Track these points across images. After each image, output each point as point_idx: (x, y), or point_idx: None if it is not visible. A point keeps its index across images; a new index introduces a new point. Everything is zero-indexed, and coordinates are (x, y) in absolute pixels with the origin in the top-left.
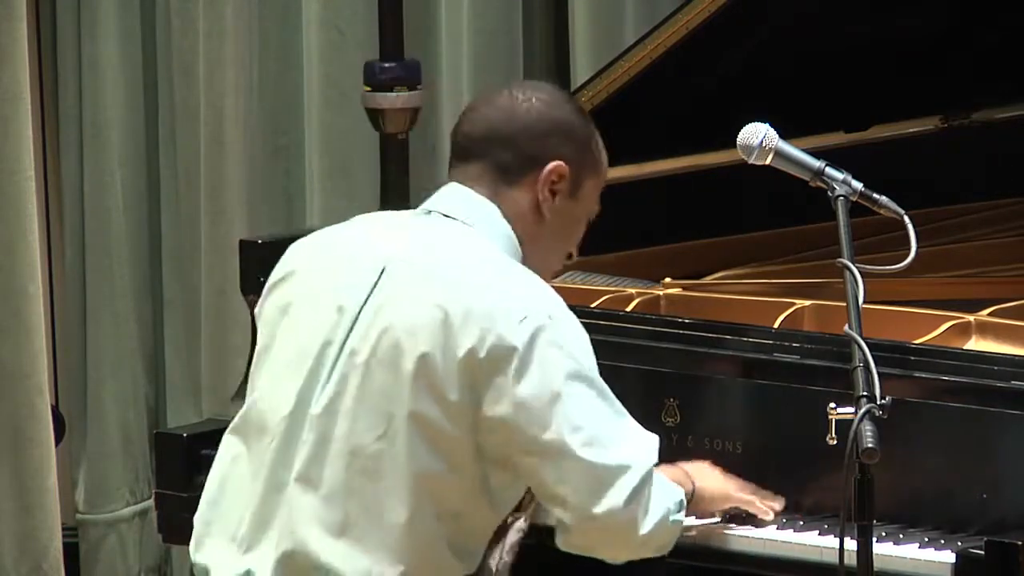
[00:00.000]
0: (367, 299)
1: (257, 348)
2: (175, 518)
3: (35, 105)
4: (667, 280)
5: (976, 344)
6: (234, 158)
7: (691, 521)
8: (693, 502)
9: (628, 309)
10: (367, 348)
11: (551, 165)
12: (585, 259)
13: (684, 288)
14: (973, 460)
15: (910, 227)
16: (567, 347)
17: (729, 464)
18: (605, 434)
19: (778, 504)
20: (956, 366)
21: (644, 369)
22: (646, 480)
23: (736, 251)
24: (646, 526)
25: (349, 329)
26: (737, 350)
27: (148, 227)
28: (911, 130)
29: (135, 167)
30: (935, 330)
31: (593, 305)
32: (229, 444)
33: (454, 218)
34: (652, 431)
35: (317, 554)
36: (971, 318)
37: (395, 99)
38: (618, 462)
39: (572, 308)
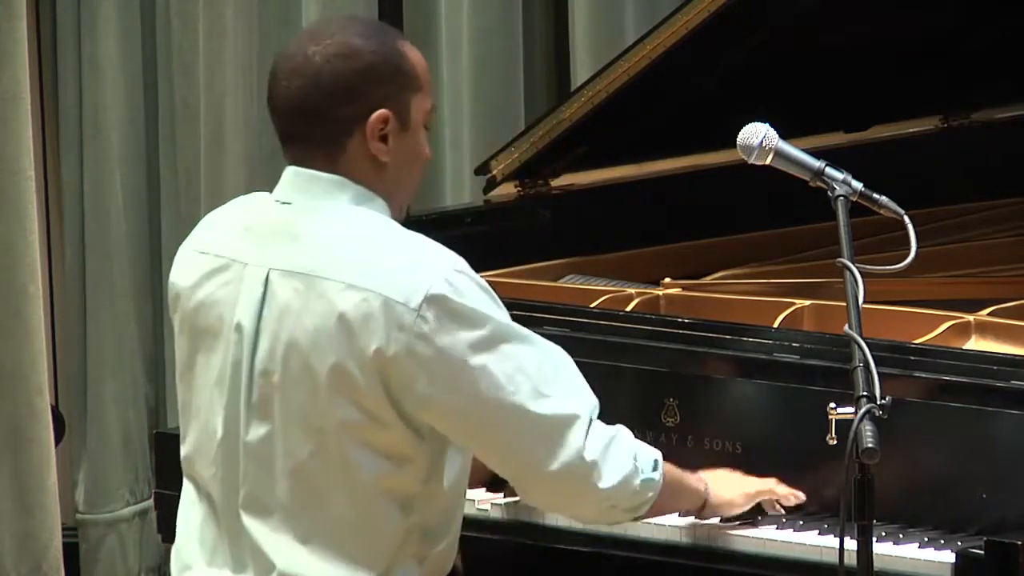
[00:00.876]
0: (260, 314)
1: (177, 366)
2: (175, 518)
3: (35, 105)
4: (667, 280)
5: (976, 344)
6: (234, 158)
7: (688, 522)
8: (709, 505)
9: (628, 309)
10: (278, 368)
11: (372, 118)
12: (585, 259)
13: (684, 288)
14: (973, 460)
15: (910, 227)
16: (472, 312)
17: (729, 464)
18: (538, 387)
19: (799, 495)
20: (956, 366)
21: (644, 369)
22: (594, 426)
23: (736, 251)
24: (608, 479)
25: (253, 347)
26: (737, 350)
27: (148, 227)
28: (911, 130)
29: (135, 167)
30: (935, 330)
31: (593, 305)
32: (186, 487)
33: (309, 203)
34: (652, 431)
35: (299, 573)
36: (971, 318)
37: None
38: (561, 412)
39: (572, 308)
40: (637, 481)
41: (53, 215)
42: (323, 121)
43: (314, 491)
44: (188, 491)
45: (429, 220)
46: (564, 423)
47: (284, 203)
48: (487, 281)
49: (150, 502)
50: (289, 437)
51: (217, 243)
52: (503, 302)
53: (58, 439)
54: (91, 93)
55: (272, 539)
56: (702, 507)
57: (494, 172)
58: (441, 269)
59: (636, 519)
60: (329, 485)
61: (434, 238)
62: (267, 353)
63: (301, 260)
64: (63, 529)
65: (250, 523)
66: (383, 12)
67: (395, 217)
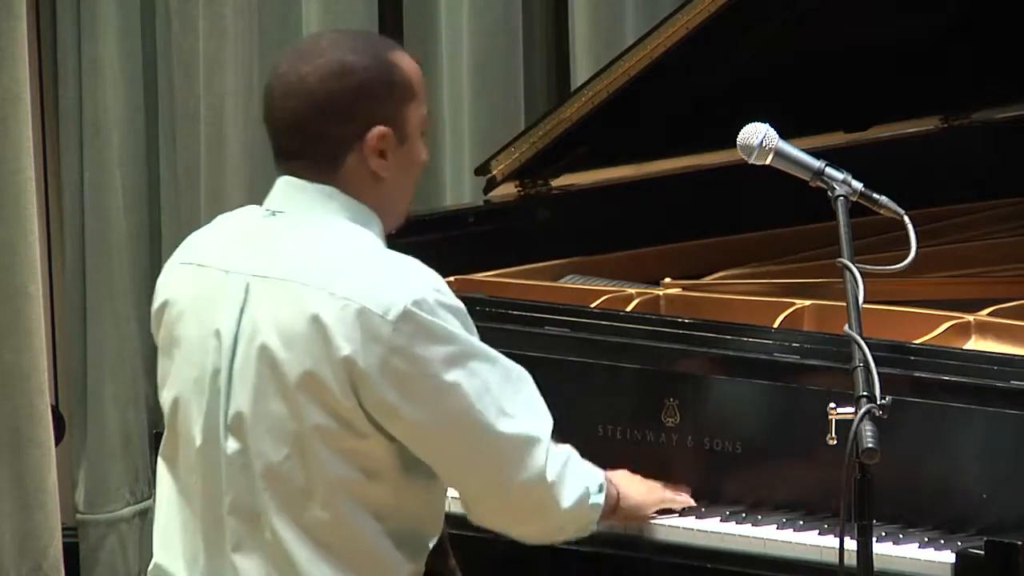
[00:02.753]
0: (239, 321)
1: (160, 379)
2: None
3: (35, 105)
4: (667, 280)
5: (976, 344)
6: (234, 158)
7: (688, 522)
8: (620, 509)
9: (628, 309)
10: (252, 373)
11: (370, 136)
12: (585, 259)
13: (684, 288)
14: (973, 460)
15: (910, 227)
16: (443, 331)
17: (729, 464)
18: (501, 407)
19: (685, 495)
20: (956, 366)
21: (644, 369)
22: (554, 448)
23: (736, 251)
24: (565, 500)
25: (231, 354)
26: (737, 350)
27: (148, 227)
28: (911, 130)
29: (135, 167)
30: (935, 330)
31: (593, 305)
32: (163, 473)
33: (299, 215)
34: (652, 431)
35: None
36: (971, 318)
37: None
38: (522, 432)
39: (572, 308)
40: (589, 503)
41: (53, 215)
42: (321, 141)
43: (288, 494)
44: (168, 497)
45: (429, 220)
46: (527, 443)
47: (273, 213)
48: (489, 281)
49: (150, 502)
50: (264, 442)
51: (201, 254)
52: (503, 302)
53: (58, 439)
54: (91, 93)
55: (250, 545)
56: (612, 513)
57: (494, 172)
58: (421, 286)
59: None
60: (302, 488)
61: (434, 238)
62: (243, 359)
63: (282, 267)
64: (63, 529)
65: (236, 528)
66: (383, 12)
67: (393, 226)
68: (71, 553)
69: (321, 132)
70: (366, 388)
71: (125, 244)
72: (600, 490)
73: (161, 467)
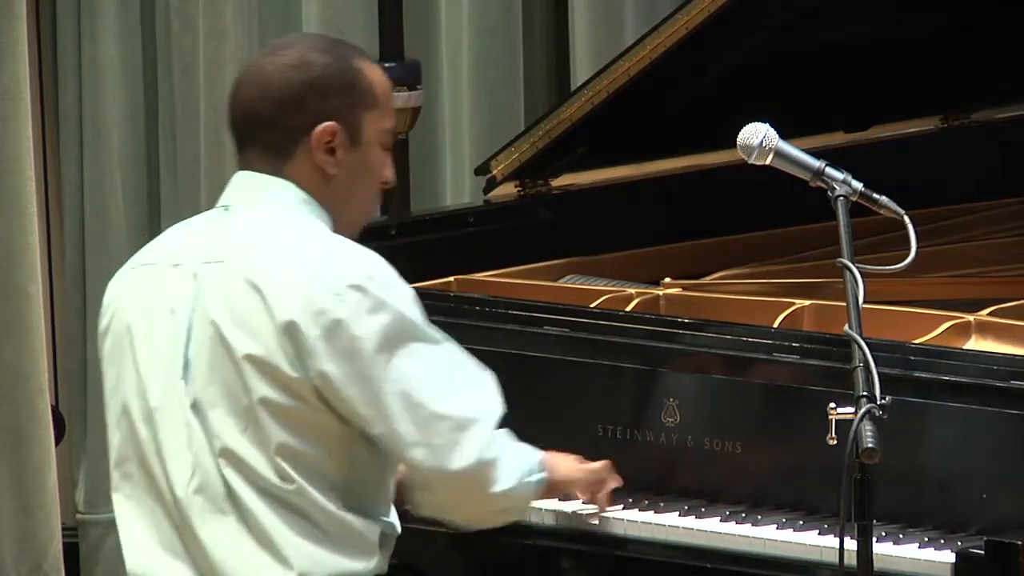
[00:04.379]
0: (192, 308)
1: (106, 389)
2: None
3: (35, 105)
4: (667, 280)
5: (976, 344)
6: (234, 158)
7: (688, 522)
8: (552, 485)
9: (628, 309)
10: (205, 354)
11: (317, 130)
12: (585, 259)
13: (684, 288)
14: (973, 460)
15: (910, 227)
16: (391, 306)
17: (729, 464)
18: (445, 387)
19: (612, 484)
20: (956, 366)
21: (644, 369)
22: (494, 430)
23: (736, 251)
24: (503, 483)
25: (186, 342)
26: (737, 350)
27: (148, 227)
28: (911, 130)
29: (135, 167)
30: (935, 330)
31: (593, 305)
32: (118, 482)
33: (251, 206)
34: (652, 431)
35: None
36: (971, 318)
37: (395, 99)
38: (464, 414)
39: (572, 308)
40: (531, 483)
41: (53, 215)
42: (270, 129)
43: (251, 469)
44: (126, 504)
45: (429, 220)
46: (464, 424)
47: (225, 208)
48: (489, 281)
49: None
50: (223, 421)
51: (148, 256)
52: (504, 302)
53: (58, 439)
54: (91, 93)
55: (233, 517)
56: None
57: (494, 172)
58: (367, 263)
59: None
60: (263, 462)
61: (434, 238)
62: (197, 343)
63: (230, 251)
64: (63, 529)
65: (206, 507)
66: (383, 12)
67: (346, 234)
68: (71, 553)
69: (272, 120)
70: (309, 358)
71: (125, 244)
72: (540, 470)
73: (116, 477)
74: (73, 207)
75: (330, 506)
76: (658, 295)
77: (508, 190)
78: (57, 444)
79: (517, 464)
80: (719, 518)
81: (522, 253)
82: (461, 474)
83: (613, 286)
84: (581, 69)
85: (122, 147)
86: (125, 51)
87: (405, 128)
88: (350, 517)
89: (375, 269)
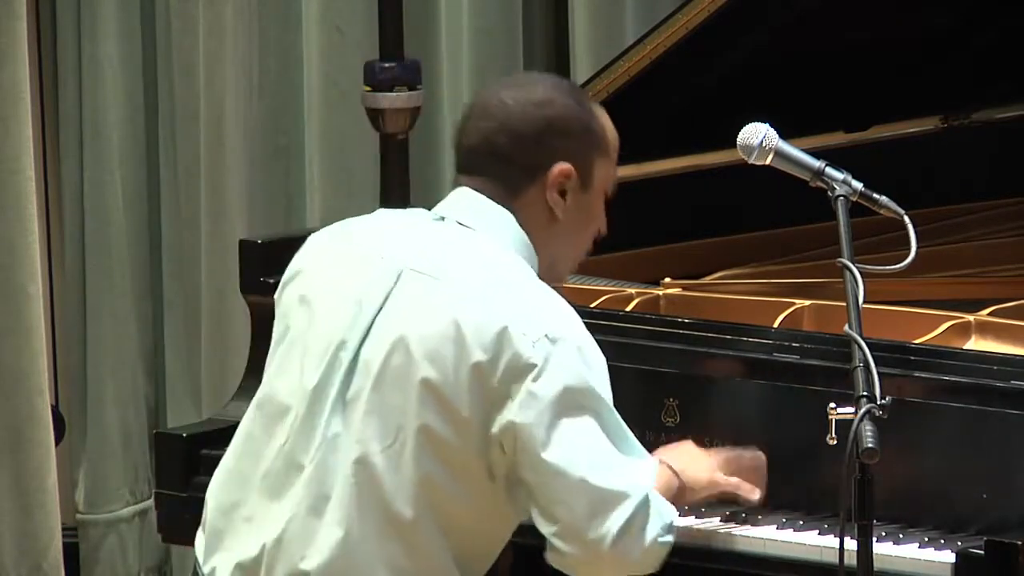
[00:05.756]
0: (383, 304)
1: (274, 337)
2: (175, 518)
3: (35, 105)
4: (667, 280)
5: (976, 344)
6: (234, 158)
7: (688, 522)
8: (680, 495)
9: (628, 309)
10: (380, 359)
11: (555, 170)
12: (585, 259)
13: (684, 288)
14: (973, 460)
15: (910, 227)
16: (582, 368)
17: None
18: (607, 459)
19: (758, 491)
20: (956, 366)
21: (644, 369)
22: (641, 508)
23: (736, 251)
24: (636, 552)
25: (364, 333)
26: (737, 350)
27: (148, 227)
28: (911, 130)
29: (135, 167)
30: (935, 330)
31: (593, 305)
32: (248, 421)
33: (467, 226)
34: (652, 431)
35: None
36: (971, 318)
37: (395, 99)
38: (617, 488)
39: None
40: (657, 546)
41: (53, 215)
42: (506, 163)
43: (371, 482)
44: (247, 426)
45: None
46: (611, 499)
47: (442, 218)
48: None
49: (150, 502)
50: (368, 428)
51: (356, 235)
52: None
53: (58, 439)
54: (91, 93)
55: (318, 526)
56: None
57: None
58: (568, 319)
59: None
60: (386, 480)
61: None
62: (375, 342)
63: (439, 267)
64: (63, 529)
65: (300, 499)
66: (383, 12)
67: (548, 280)
68: (71, 553)
69: (509, 155)
70: (489, 402)
71: (125, 244)
72: (670, 530)
73: (251, 414)
74: (73, 207)
75: (434, 544)
76: (658, 295)
77: None
78: (57, 444)
79: (652, 531)
80: (719, 518)
81: None
82: (597, 545)
83: (613, 286)
84: (581, 69)
85: (122, 147)
86: (125, 51)
87: (405, 128)
88: (445, 561)
89: (574, 327)
